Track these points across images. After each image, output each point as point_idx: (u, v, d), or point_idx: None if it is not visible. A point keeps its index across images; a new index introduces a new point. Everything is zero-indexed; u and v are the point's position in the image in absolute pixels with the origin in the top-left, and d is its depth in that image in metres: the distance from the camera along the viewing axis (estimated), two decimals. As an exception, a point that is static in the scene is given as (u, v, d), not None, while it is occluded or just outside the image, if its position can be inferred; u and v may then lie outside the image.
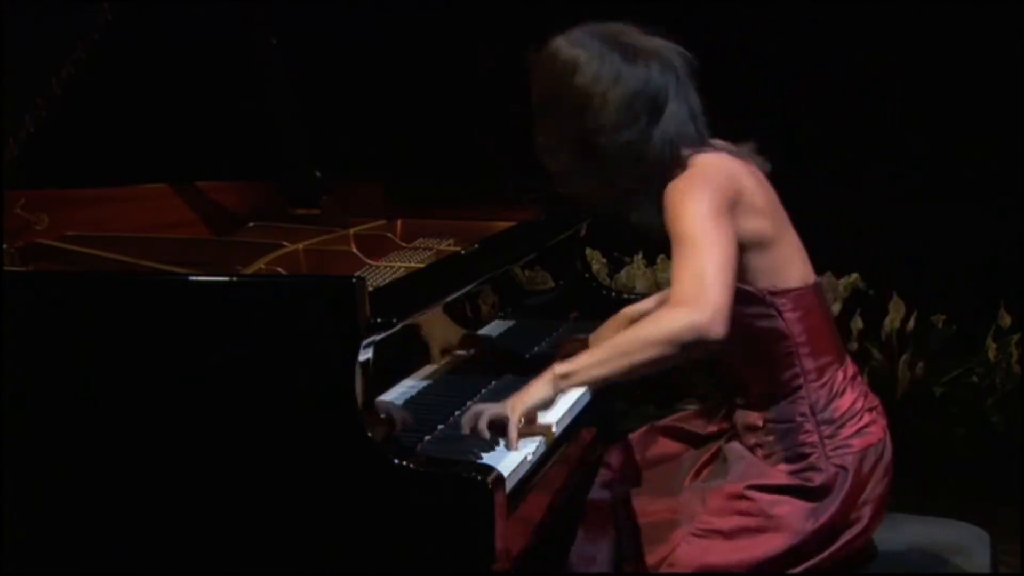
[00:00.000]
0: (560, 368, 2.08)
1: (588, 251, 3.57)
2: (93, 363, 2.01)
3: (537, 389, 2.10)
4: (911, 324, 4.21)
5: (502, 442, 2.09)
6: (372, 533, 1.89)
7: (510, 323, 2.76)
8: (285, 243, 2.59)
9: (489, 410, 2.10)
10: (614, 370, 2.03)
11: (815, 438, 2.15)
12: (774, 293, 2.13)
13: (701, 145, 2.15)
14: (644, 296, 3.51)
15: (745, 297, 2.09)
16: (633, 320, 2.47)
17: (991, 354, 4.17)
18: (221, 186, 3.08)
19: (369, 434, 1.88)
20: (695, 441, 2.38)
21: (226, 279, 2.09)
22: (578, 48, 2.19)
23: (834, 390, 2.17)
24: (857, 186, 4.39)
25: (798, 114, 4.32)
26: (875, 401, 2.23)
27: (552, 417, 2.21)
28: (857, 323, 4.23)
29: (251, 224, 3.01)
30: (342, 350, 1.89)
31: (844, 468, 2.12)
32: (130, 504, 2.00)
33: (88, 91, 2.54)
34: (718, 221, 2.02)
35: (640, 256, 4.57)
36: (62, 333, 2.03)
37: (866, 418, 2.18)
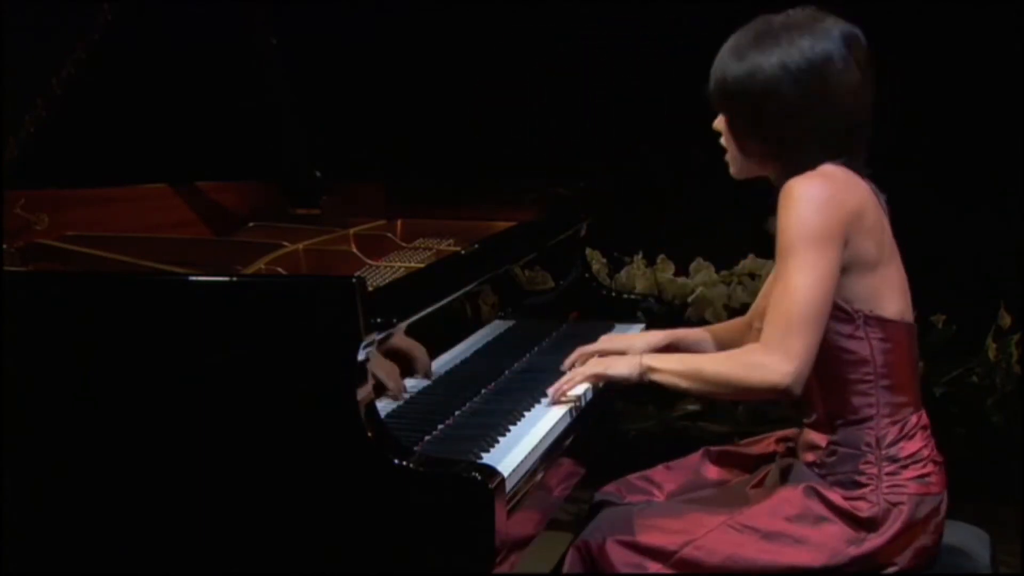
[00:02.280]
0: (649, 360, 2.17)
1: (588, 251, 3.57)
2: (93, 363, 2.01)
3: (622, 365, 2.20)
4: (911, 324, 4.21)
5: (509, 433, 2.11)
6: (372, 533, 1.89)
7: (510, 323, 2.76)
8: (285, 243, 2.59)
9: (587, 361, 2.26)
10: (691, 389, 2.15)
11: (874, 471, 2.12)
12: (868, 318, 2.11)
13: (846, 154, 2.13)
14: (644, 296, 3.52)
15: (838, 314, 2.08)
16: (746, 329, 2.48)
17: (991, 354, 4.17)
18: (221, 186, 3.08)
19: (369, 434, 1.88)
20: (746, 464, 2.38)
21: (226, 279, 2.09)
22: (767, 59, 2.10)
23: (904, 431, 2.15)
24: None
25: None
26: (940, 457, 2.21)
27: (565, 406, 2.28)
28: (857, 323, 4.22)
29: (251, 224, 3.01)
30: (342, 350, 1.89)
31: (897, 506, 2.10)
32: (129, 504, 2.00)
33: (88, 91, 2.54)
34: (825, 243, 2.02)
35: (640, 256, 4.57)
36: (62, 333, 2.03)
37: (930, 467, 2.15)
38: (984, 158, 4.25)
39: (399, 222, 3.01)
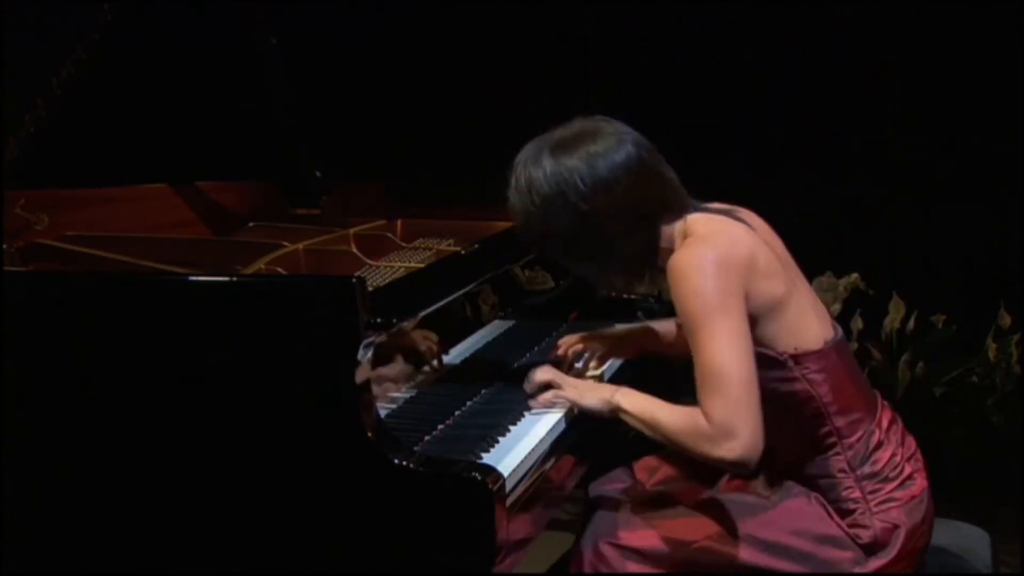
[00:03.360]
0: (619, 399, 2.13)
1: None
2: (93, 363, 2.01)
3: (594, 401, 2.17)
4: (911, 324, 4.21)
5: (508, 433, 2.11)
6: (372, 533, 1.89)
7: (510, 323, 2.76)
8: (285, 243, 2.59)
9: (555, 381, 2.22)
10: (651, 436, 2.10)
11: (858, 494, 2.12)
12: (796, 356, 2.10)
13: (687, 211, 2.13)
14: (644, 297, 3.52)
15: (766, 361, 2.07)
16: None
17: (991, 354, 4.16)
18: (221, 186, 3.08)
19: (369, 434, 1.88)
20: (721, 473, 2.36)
21: (226, 279, 2.09)
22: (542, 181, 2.09)
23: (870, 444, 2.14)
24: (857, 186, 4.39)
25: (798, 114, 4.32)
26: (912, 447, 2.20)
27: (565, 406, 2.26)
28: (857, 323, 4.22)
29: (251, 224, 3.01)
30: (342, 350, 1.89)
31: (895, 525, 2.10)
32: (130, 503, 2.00)
33: (88, 91, 2.54)
34: (727, 304, 1.99)
35: (640, 256, 4.56)
36: (62, 333, 2.03)
37: (907, 469, 2.15)
38: (984, 158, 4.25)
39: (399, 222, 3.01)
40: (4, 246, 2.37)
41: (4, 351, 2.01)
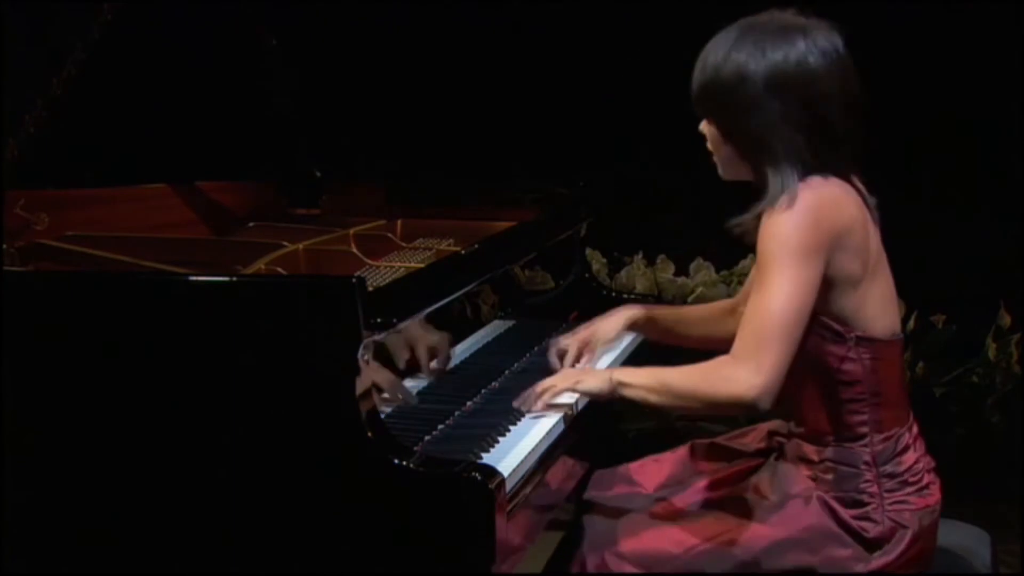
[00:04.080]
0: (619, 375, 2.13)
1: (588, 251, 3.57)
2: (93, 363, 2.01)
3: (593, 381, 2.17)
4: (911, 324, 4.21)
5: (509, 433, 2.11)
6: (372, 533, 1.89)
7: (510, 323, 2.76)
8: (285, 243, 2.59)
9: (547, 383, 2.20)
10: (663, 404, 2.11)
11: (875, 489, 2.11)
12: (860, 337, 2.09)
13: (824, 169, 2.07)
14: (644, 296, 3.52)
15: (831, 334, 2.08)
16: (728, 312, 2.50)
17: (991, 354, 4.17)
18: (221, 186, 3.08)
19: (369, 434, 1.88)
20: (734, 458, 2.37)
21: (226, 279, 2.09)
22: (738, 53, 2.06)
23: (899, 446, 2.14)
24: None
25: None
26: (933, 463, 2.20)
27: (570, 398, 2.26)
28: (857, 323, 4.22)
29: (251, 224, 3.01)
30: (342, 350, 1.89)
31: (903, 526, 2.10)
32: (129, 503, 2.00)
33: (88, 91, 2.54)
34: (805, 259, 1.99)
35: (640, 256, 4.56)
36: (62, 333, 2.03)
37: (927, 478, 2.15)
38: (984, 158, 4.25)
39: (399, 222, 3.01)
40: (4, 246, 2.37)
41: (4, 351, 2.01)
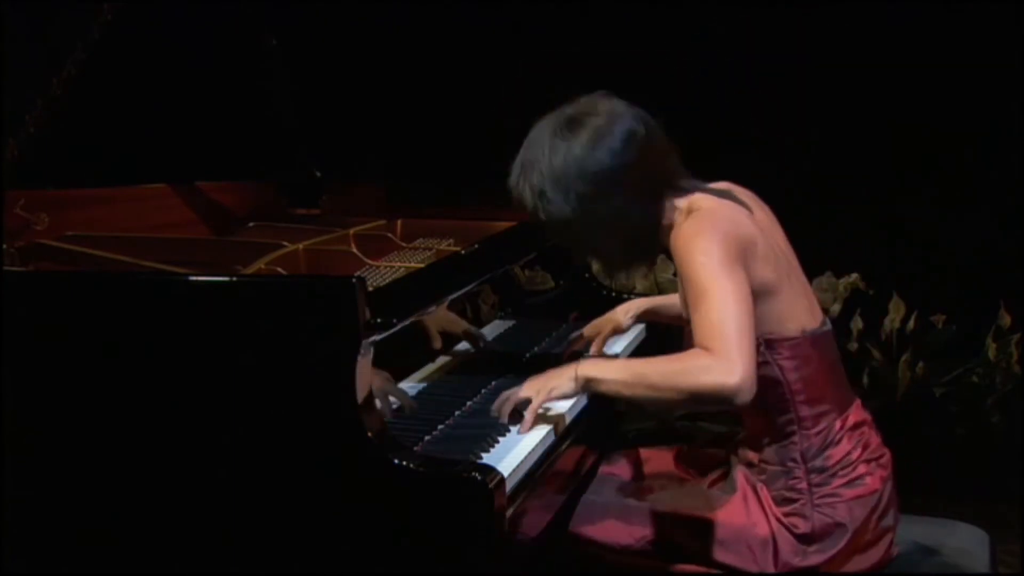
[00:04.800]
0: (586, 370, 2.11)
1: (588, 251, 3.57)
2: (93, 363, 2.01)
3: (561, 383, 2.13)
4: (911, 324, 4.21)
5: (509, 433, 2.11)
6: (372, 533, 1.89)
7: (510, 323, 2.76)
8: (285, 243, 2.59)
9: (513, 396, 2.14)
10: (636, 396, 2.09)
11: (803, 485, 2.15)
12: (770, 342, 2.12)
13: (690, 190, 2.16)
14: (644, 296, 3.52)
15: None
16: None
17: (991, 354, 4.17)
18: (221, 186, 3.08)
19: (369, 434, 1.88)
20: (708, 465, 2.40)
21: (226, 279, 2.09)
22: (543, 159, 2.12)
23: (828, 439, 2.16)
24: (857, 186, 4.39)
25: (798, 114, 4.32)
26: (878, 452, 2.21)
27: (564, 406, 2.23)
28: (857, 323, 4.23)
29: (251, 224, 3.01)
30: (342, 350, 1.89)
31: (837, 522, 2.12)
32: (129, 503, 2.00)
33: (88, 91, 2.54)
34: (731, 268, 2.01)
35: (640, 256, 4.56)
36: (62, 333, 2.03)
37: (861, 468, 2.17)
38: (983, 158, 4.25)
39: (399, 222, 3.01)
40: (4, 246, 2.37)
41: (4, 351, 2.01)
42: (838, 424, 2.18)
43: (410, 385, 2.27)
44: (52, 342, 2.03)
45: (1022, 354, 4.14)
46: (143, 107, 2.95)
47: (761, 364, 2.09)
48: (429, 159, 4.52)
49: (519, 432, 2.13)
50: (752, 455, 2.23)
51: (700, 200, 2.14)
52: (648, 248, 2.18)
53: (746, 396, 1.95)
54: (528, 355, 2.70)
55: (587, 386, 2.11)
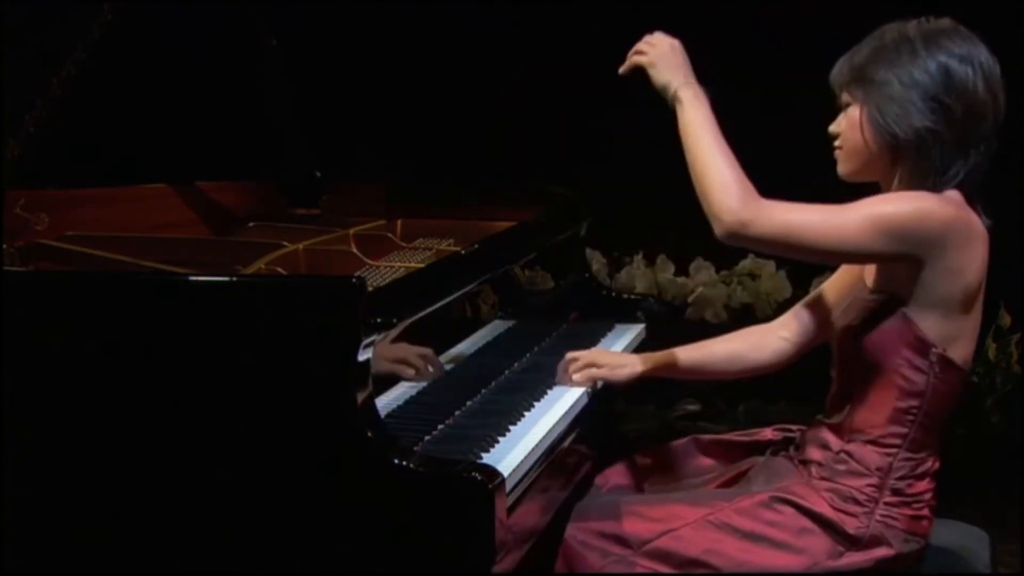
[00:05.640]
0: (687, 92, 2.14)
1: (588, 251, 3.57)
2: (93, 363, 2.01)
3: (625, 374, 2.31)
4: (911, 324, 4.21)
5: (509, 433, 2.12)
6: (372, 533, 1.89)
7: (510, 323, 2.76)
8: (285, 243, 2.59)
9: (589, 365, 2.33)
10: (687, 145, 2.11)
11: (876, 495, 2.11)
12: (943, 359, 2.08)
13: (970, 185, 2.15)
14: (644, 296, 3.52)
15: (916, 341, 2.07)
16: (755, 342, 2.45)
17: (991, 354, 4.17)
18: (221, 186, 3.08)
19: (369, 434, 1.88)
20: (734, 454, 2.38)
21: (226, 279, 2.09)
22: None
23: (918, 470, 2.13)
24: (857, 186, 4.38)
25: (799, 114, 4.32)
26: (935, 503, 2.19)
27: (564, 406, 2.27)
28: (857, 323, 4.22)
29: (251, 224, 3.01)
30: (342, 350, 1.89)
31: (884, 541, 2.09)
32: (129, 503, 2.00)
33: (88, 91, 2.54)
34: (880, 230, 2.00)
35: (640, 256, 4.57)
36: (62, 333, 2.03)
37: (926, 511, 2.15)
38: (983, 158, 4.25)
39: (399, 222, 3.01)
40: (4, 246, 2.37)
41: (4, 351, 2.01)
42: (930, 462, 2.15)
43: (410, 384, 2.27)
44: (52, 342, 2.03)
45: (1022, 354, 4.14)
46: (143, 107, 2.94)
47: (918, 370, 2.08)
48: (429, 159, 4.52)
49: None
50: (832, 439, 2.16)
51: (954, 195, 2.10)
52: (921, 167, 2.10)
53: (728, 241, 2.00)
54: (528, 355, 2.70)
55: (675, 99, 2.14)
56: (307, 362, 1.92)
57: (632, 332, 2.93)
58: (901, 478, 2.12)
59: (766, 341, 2.41)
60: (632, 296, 3.35)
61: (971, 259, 2.09)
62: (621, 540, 2.14)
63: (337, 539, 1.91)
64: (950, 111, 2.06)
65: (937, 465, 2.17)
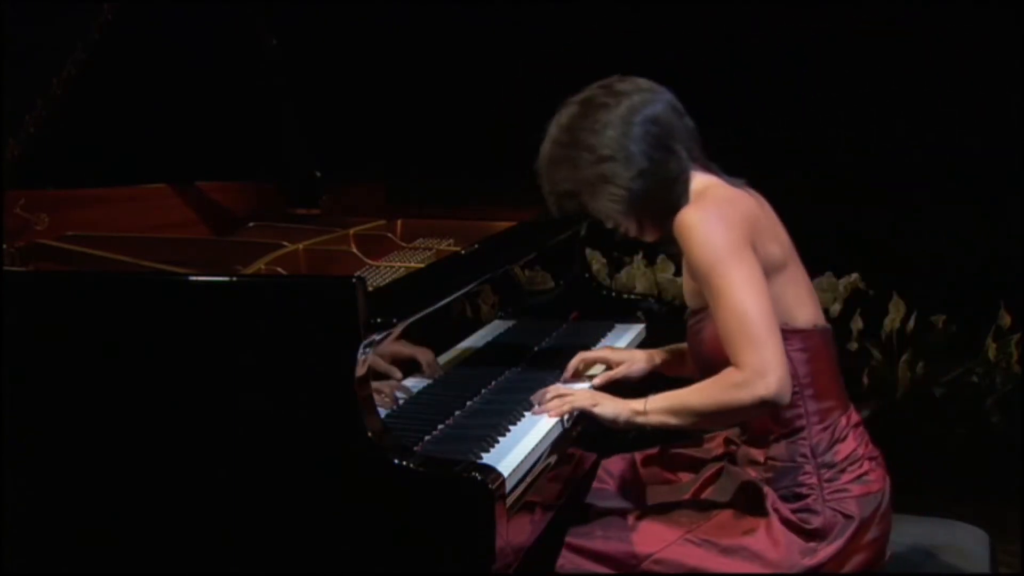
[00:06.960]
0: (635, 405, 2.15)
1: (588, 251, 3.57)
2: (93, 363, 2.01)
3: (611, 409, 2.18)
4: (911, 324, 4.21)
5: (509, 433, 2.12)
6: (372, 533, 1.89)
7: (510, 323, 2.76)
8: (285, 243, 2.59)
9: (568, 397, 2.21)
10: (684, 425, 2.14)
11: (814, 480, 2.15)
12: (785, 331, 2.11)
13: (705, 168, 2.19)
14: (644, 296, 3.52)
15: None
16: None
17: (991, 354, 4.17)
18: (221, 186, 3.08)
19: (369, 434, 1.88)
20: (696, 466, 2.39)
21: (226, 279, 2.09)
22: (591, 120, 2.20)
23: (836, 435, 2.17)
24: (857, 186, 4.39)
25: (799, 115, 4.32)
26: (876, 452, 2.22)
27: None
28: (857, 323, 4.23)
29: (251, 224, 3.01)
30: (342, 350, 1.89)
31: (845, 515, 2.12)
32: (129, 503, 2.00)
33: (88, 91, 2.54)
34: (740, 253, 2.05)
35: (640, 256, 4.57)
36: (62, 333, 2.03)
37: (865, 466, 2.17)
38: (984, 158, 4.26)
39: (399, 222, 3.01)
40: (4, 246, 2.37)
41: (4, 351, 2.01)
42: (843, 420, 2.19)
43: (411, 384, 2.27)
44: (52, 342, 2.03)
45: (1022, 354, 4.15)
46: (143, 107, 2.95)
47: None
48: (429, 159, 4.52)
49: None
50: (757, 453, 2.22)
51: (709, 186, 2.16)
52: (659, 216, 2.17)
53: (786, 394, 2.03)
54: (528, 355, 2.70)
55: (632, 419, 2.14)
56: (307, 362, 1.92)
57: (632, 332, 2.93)
58: (825, 451, 2.16)
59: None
60: (632, 296, 3.35)
61: (759, 217, 2.14)
62: (603, 561, 2.17)
63: (337, 539, 1.91)
64: (628, 159, 2.13)
65: (855, 417, 2.21)
